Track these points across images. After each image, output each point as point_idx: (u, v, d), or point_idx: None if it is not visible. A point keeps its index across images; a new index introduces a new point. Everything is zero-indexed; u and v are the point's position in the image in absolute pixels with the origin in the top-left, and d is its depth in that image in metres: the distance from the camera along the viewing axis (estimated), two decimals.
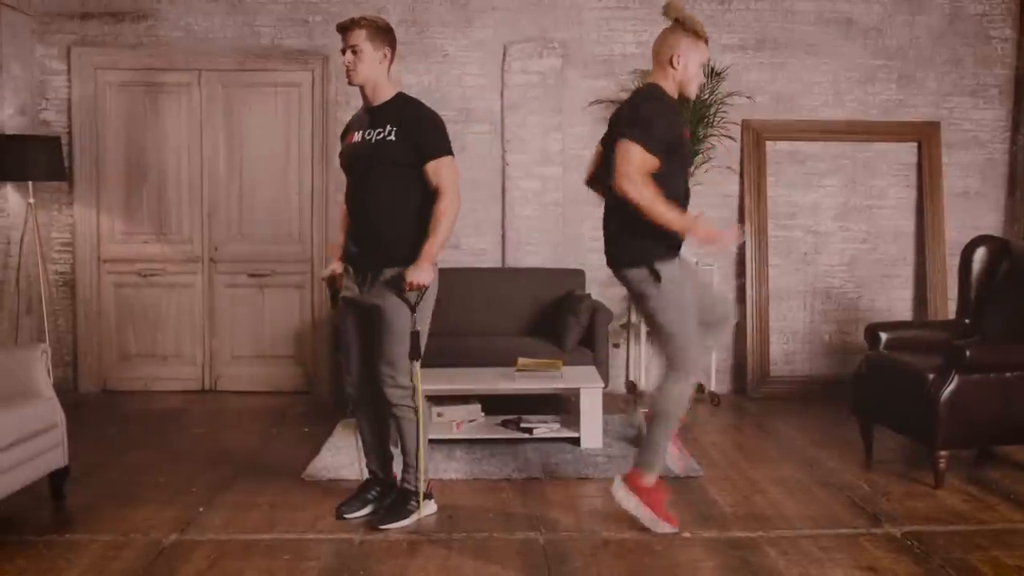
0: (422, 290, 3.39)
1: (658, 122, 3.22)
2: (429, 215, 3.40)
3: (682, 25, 3.34)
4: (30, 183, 5.53)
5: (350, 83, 3.47)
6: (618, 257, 3.43)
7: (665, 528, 3.44)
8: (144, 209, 6.10)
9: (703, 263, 5.78)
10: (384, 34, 3.44)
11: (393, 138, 3.39)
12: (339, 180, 5.89)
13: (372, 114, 3.48)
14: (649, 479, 3.44)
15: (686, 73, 3.34)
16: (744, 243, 3.22)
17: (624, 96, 5.93)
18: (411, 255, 3.39)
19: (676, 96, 3.40)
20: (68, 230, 6.06)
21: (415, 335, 3.42)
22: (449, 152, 3.43)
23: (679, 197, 3.37)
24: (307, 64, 6.02)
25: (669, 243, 3.33)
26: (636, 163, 3.17)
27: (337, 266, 3.61)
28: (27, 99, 5.90)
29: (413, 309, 3.40)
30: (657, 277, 3.29)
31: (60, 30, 6.00)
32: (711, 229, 3.26)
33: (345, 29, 3.42)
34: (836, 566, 3.18)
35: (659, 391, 3.42)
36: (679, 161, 3.36)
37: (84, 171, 6.00)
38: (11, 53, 5.73)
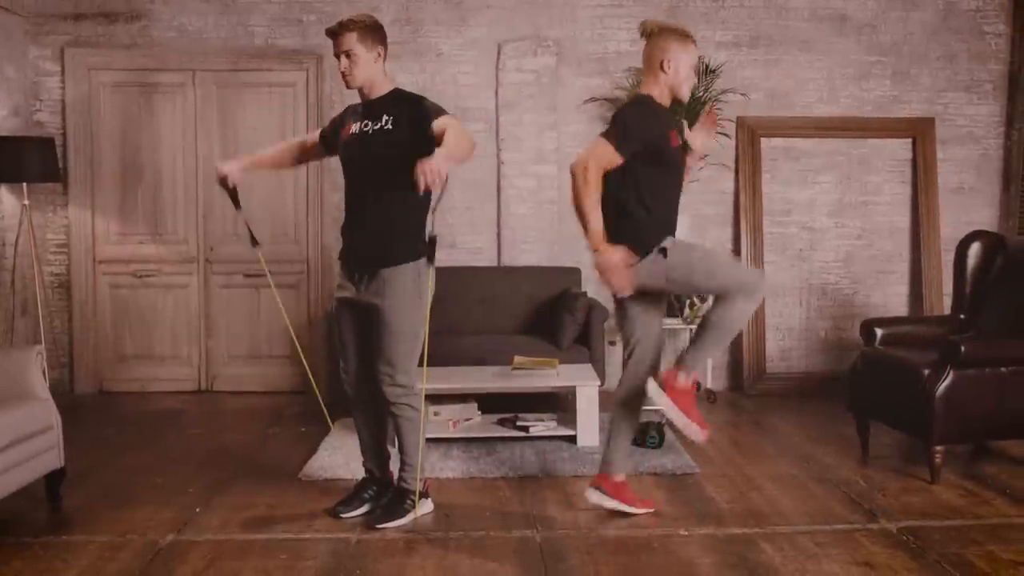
0: (443, 181, 3.00)
1: (636, 125, 3.26)
2: (426, 215, 3.39)
3: (668, 30, 3.36)
4: (24, 184, 5.53)
5: (348, 87, 3.46)
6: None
7: (696, 432, 3.41)
8: (139, 210, 6.09)
9: None
10: (374, 33, 3.42)
11: (390, 127, 3.38)
12: (333, 180, 5.92)
13: (369, 107, 3.47)
14: (685, 380, 3.42)
15: (677, 76, 3.36)
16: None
17: (618, 94, 5.95)
18: (407, 255, 3.39)
19: (668, 101, 3.42)
20: (63, 231, 6.05)
21: (432, 239, 3.32)
22: (448, 113, 3.38)
23: (670, 204, 3.43)
24: (301, 64, 6.02)
25: (656, 231, 3.34)
26: (595, 154, 3.21)
27: (234, 171, 3.58)
28: (21, 100, 5.89)
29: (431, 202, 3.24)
30: (663, 253, 3.31)
31: (53, 31, 5.99)
32: (612, 263, 3.22)
33: (335, 35, 3.39)
34: (832, 562, 3.19)
35: (724, 304, 3.34)
36: (667, 167, 3.38)
37: (79, 172, 6.00)
38: (4, 55, 5.72)
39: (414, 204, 3.44)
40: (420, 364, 3.50)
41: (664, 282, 3.39)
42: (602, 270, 3.26)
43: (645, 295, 3.47)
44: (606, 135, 3.26)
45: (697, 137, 3.60)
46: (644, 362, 3.57)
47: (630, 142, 3.24)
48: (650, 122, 3.30)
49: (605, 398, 5.08)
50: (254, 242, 3.79)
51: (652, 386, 3.45)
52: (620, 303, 3.55)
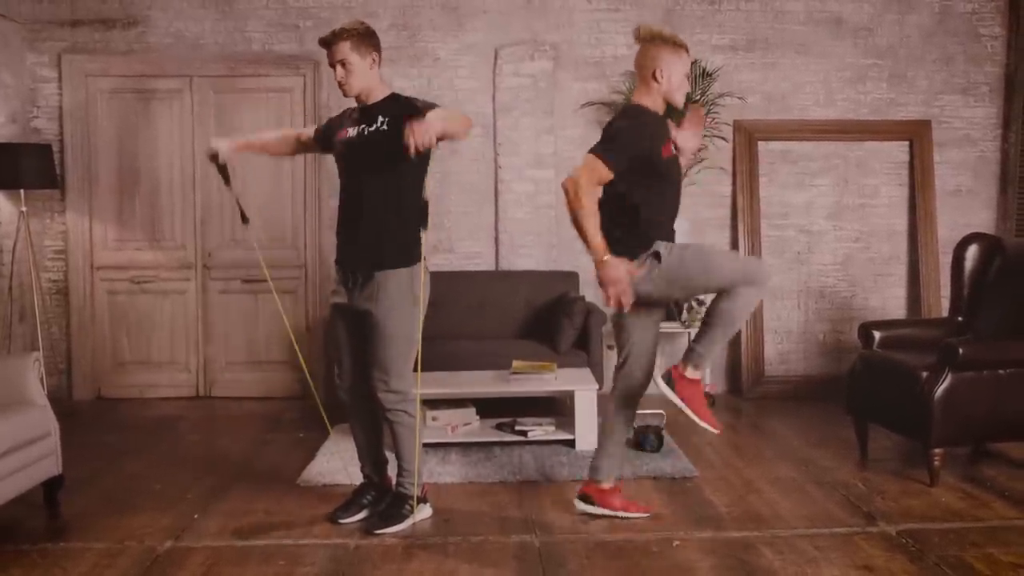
0: (432, 139, 3.09)
1: (626, 139, 3.26)
2: (421, 218, 3.39)
3: (660, 38, 3.36)
4: (22, 191, 5.52)
5: (345, 95, 3.46)
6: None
7: (705, 426, 3.44)
8: (137, 216, 6.09)
9: None
10: (368, 40, 3.42)
11: (386, 128, 3.37)
12: (332, 185, 5.91)
13: (365, 111, 3.47)
14: (694, 372, 3.45)
15: (670, 84, 3.38)
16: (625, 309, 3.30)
17: (616, 98, 5.95)
18: (402, 259, 3.39)
19: (663, 108, 3.43)
20: (61, 238, 6.05)
21: (424, 204, 3.38)
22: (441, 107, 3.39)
23: (665, 213, 3.43)
24: (298, 69, 6.02)
25: (649, 239, 3.34)
26: (586, 170, 3.22)
27: (224, 149, 3.60)
28: (18, 107, 5.89)
29: (411, 150, 3.11)
30: (657, 257, 3.31)
31: (50, 38, 5.99)
32: (616, 274, 3.22)
33: (328, 44, 3.38)
34: (831, 565, 3.18)
35: (729, 295, 3.35)
36: (660, 178, 3.37)
37: (76, 178, 5.99)
38: (1, 61, 5.72)
39: (409, 208, 3.43)
40: (415, 369, 3.49)
41: (665, 287, 3.38)
42: (605, 282, 3.25)
43: (640, 305, 3.45)
44: (596, 151, 3.26)
45: (683, 137, 3.58)
46: (635, 373, 3.59)
47: (619, 156, 3.24)
48: (639, 136, 3.29)
49: (604, 402, 5.08)
50: (244, 219, 3.77)
51: (662, 383, 3.46)
52: (617, 311, 3.55)
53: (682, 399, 3.44)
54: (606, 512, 3.64)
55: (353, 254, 3.48)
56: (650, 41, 3.38)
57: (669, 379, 3.46)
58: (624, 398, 3.62)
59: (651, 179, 3.34)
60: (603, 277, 3.25)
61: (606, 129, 3.38)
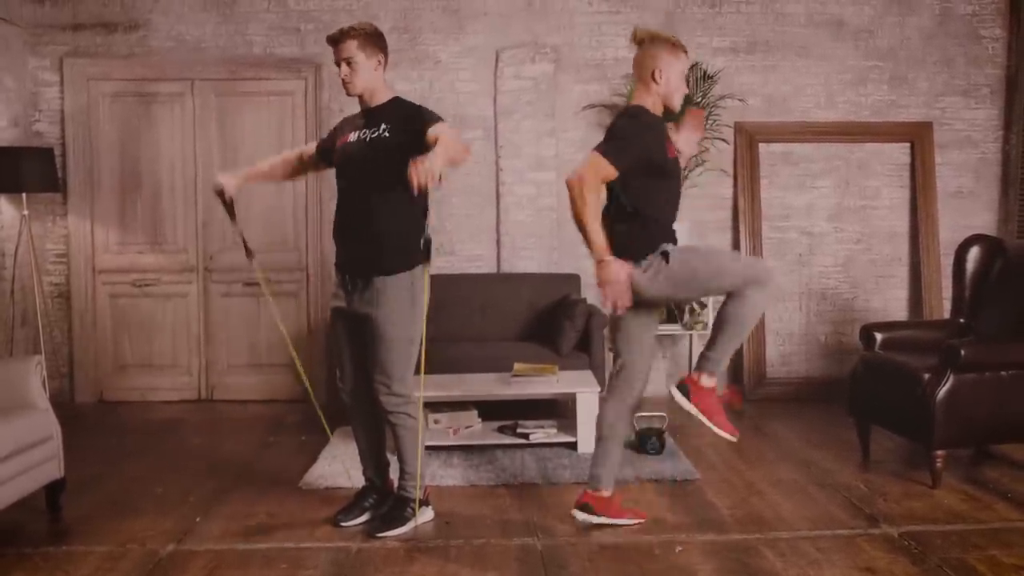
0: (436, 180, 2.98)
1: (629, 138, 3.26)
2: (421, 224, 3.39)
3: (659, 39, 3.37)
4: (24, 195, 5.53)
5: (348, 94, 3.47)
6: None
7: (723, 434, 3.42)
8: (138, 219, 6.10)
9: None
10: (375, 40, 3.44)
11: (388, 135, 3.37)
12: (332, 188, 5.89)
13: (368, 115, 3.47)
14: (708, 381, 3.43)
15: (668, 86, 3.38)
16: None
17: (617, 100, 5.95)
18: (401, 263, 3.38)
19: (661, 110, 3.43)
20: (63, 241, 6.06)
21: (426, 242, 3.36)
22: (445, 122, 3.37)
23: (669, 214, 3.43)
24: (300, 72, 6.03)
25: (655, 240, 3.33)
26: (591, 168, 3.21)
27: (231, 185, 3.59)
28: (20, 111, 5.90)
29: (420, 191, 3.03)
30: (665, 257, 3.30)
31: (52, 41, 6.00)
32: (616, 276, 3.22)
33: (336, 41, 3.40)
34: (833, 567, 3.18)
35: (738, 298, 3.32)
36: (665, 178, 3.37)
37: (78, 182, 6.00)
38: (3, 65, 5.73)
39: (408, 212, 3.42)
40: (417, 372, 3.49)
41: (671, 288, 3.36)
42: (604, 283, 3.24)
43: (642, 307, 3.44)
44: (600, 149, 3.25)
45: (682, 140, 3.57)
46: (634, 377, 3.55)
47: (625, 156, 3.23)
48: (645, 136, 3.29)
49: (601, 408, 5.07)
50: (249, 254, 3.80)
51: (677, 393, 3.45)
52: (614, 312, 3.54)
53: (699, 409, 3.41)
54: (607, 520, 3.58)
55: (352, 259, 3.49)
56: (649, 42, 3.38)
57: (684, 389, 3.44)
58: (623, 403, 3.56)
59: (656, 179, 3.34)
60: (602, 278, 3.24)
61: (609, 129, 3.37)
